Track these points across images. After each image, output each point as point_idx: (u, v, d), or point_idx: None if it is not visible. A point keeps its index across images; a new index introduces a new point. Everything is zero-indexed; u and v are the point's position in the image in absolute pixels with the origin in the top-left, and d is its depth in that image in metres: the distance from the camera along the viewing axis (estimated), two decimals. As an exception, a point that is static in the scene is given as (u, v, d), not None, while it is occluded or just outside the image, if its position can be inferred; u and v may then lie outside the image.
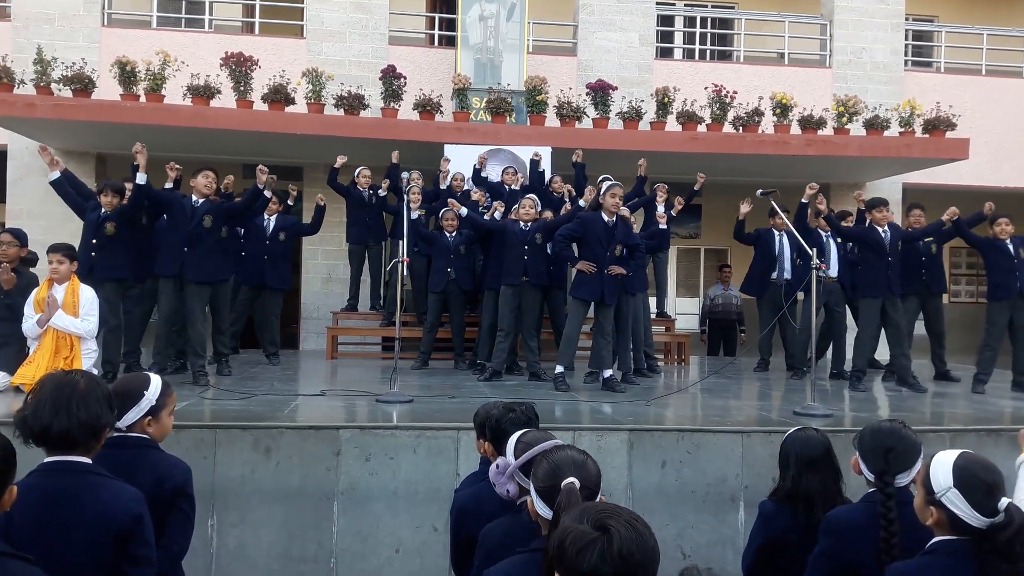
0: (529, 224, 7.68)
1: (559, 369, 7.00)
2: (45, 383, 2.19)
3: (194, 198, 6.92)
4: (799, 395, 7.04)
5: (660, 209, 9.09)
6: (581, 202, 7.70)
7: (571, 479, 1.97)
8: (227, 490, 4.70)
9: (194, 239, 6.77)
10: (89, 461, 2.17)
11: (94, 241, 6.76)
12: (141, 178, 6.68)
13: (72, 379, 2.17)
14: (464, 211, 7.89)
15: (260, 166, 7.28)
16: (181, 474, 2.56)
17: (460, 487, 3.08)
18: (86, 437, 2.14)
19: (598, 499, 2.05)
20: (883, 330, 7.80)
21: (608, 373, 7.02)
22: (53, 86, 9.32)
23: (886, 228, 7.61)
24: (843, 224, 8.18)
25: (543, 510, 2.04)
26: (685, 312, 13.90)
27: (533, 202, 7.86)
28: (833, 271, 8.53)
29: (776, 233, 8.85)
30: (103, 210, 6.88)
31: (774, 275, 8.78)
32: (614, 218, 6.93)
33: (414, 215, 8.51)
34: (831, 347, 8.98)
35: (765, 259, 8.89)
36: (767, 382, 8.36)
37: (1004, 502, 2.06)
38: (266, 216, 8.65)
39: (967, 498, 2.10)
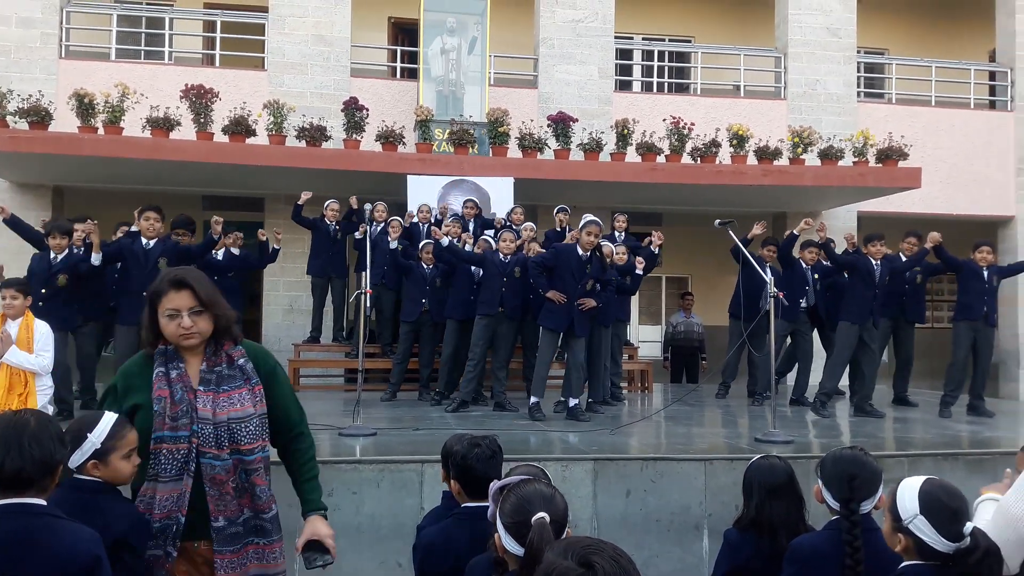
0: (508, 256, 7.71)
1: (533, 400, 7.03)
2: None
3: (144, 241, 6.81)
4: (760, 421, 7.11)
5: (619, 236, 9.17)
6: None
7: (541, 514, 1.95)
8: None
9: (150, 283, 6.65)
10: (43, 503, 2.12)
11: (43, 291, 6.59)
12: (96, 259, 6.66)
13: (22, 418, 2.13)
14: (446, 240, 7.90)
15: (215, 218, 7.26)
16: (128, 523, 2.38)
17: (423, 522, 3.05)
18: (39, 475, 2.08)
19: (565, 532, 2.05)
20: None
21: (573, 402, 7.05)
22: (8, 118, 9.18)
23: (879, 262, 7.75)
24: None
25: (511, 546, 2.02)
26: (648, 340, 14.02)
27: (514, 235, 7.94)
28: (809, 300, 8.66)
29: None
30: (52, 255, 6.78)
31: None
32: (588, 254, 7.02)
33: (392, 245, 8.53)
34: (795, 373, 9.09)
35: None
36: (729, 409, 8.44)
37: (969, 527, 2.11)
38: (214, 253, 8.50)
39: (933, 524, 2.13)
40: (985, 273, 7.82)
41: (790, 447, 5.83)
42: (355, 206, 9.19)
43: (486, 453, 2.80)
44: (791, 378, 9.33)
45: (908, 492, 2.21)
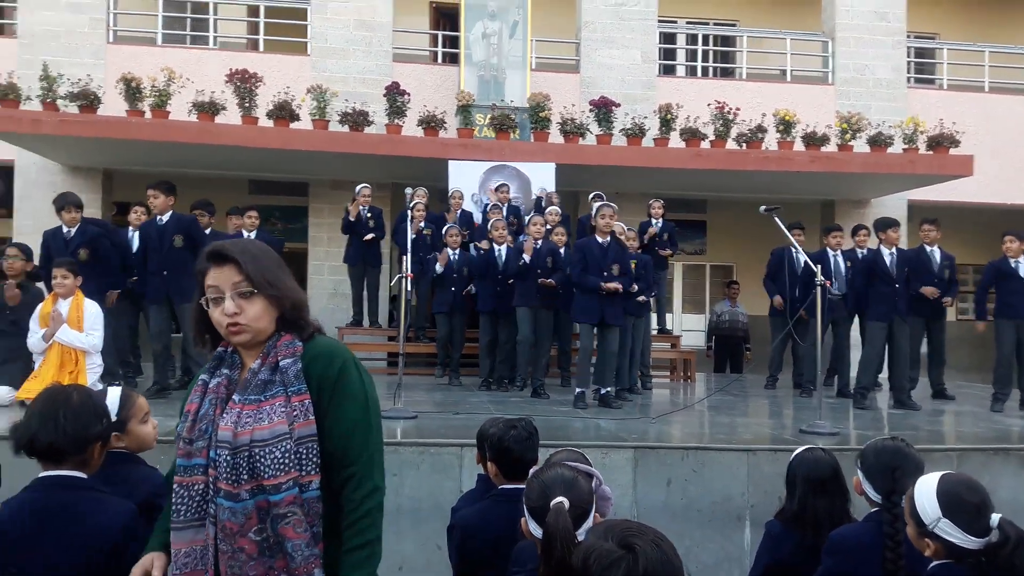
0: (539, 242, 7.71)
1: (578, 390, 7.02)
2: (40, 396, 2.18)
3: (157, 218, 6.85)
4: (806, 413, 7.00)
5: (656, 224, 9.11)
6: None
7: (560, 499, 1.95)
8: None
9: (171, 261, 6.71)
10: (83, 476, 2.15)
11: None
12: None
13: (65, 392, 2.17)
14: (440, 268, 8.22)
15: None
16: (150, 486, 2.38)
17: (458, 504, 3.05)
18: (74, 449, 2.12)
19: (591, 517, 2.02)
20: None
21: (605, 390, 7.03)
22: (59, 102, 9.36)
23: (893, 251, 7.59)
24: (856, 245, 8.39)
25: (535, 530, 2.03)
26: (691, 328, 13.89)
27: (542, 220, 7.94)
28: (841, 288, 8.51)
29: (791, 251, 8.84)
30: (66, 229, 6.89)
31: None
32: (608, 239, 6.98)
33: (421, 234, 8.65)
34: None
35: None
36: (774, 399, 8.33)
37: (995, 518, 2.04)
38: (245, 233, 8.56)
39: (958, 524, 2.07)
40: (1021, 269, 7.60)
41: (835, 439, 5.72)
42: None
43: (522, 434, 2.80)
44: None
45: (926, 495, 2.13)
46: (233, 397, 1.86)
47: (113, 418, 2.44)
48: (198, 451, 1.83)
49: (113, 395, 2.52)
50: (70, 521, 2.08)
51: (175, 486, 1.84)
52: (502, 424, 2.84)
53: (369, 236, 9.30)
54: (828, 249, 8.65)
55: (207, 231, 7.58)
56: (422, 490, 4.80)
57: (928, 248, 8.13)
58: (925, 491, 2.14)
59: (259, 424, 1.80)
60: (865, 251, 8.78)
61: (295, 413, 1.83)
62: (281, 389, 1.84)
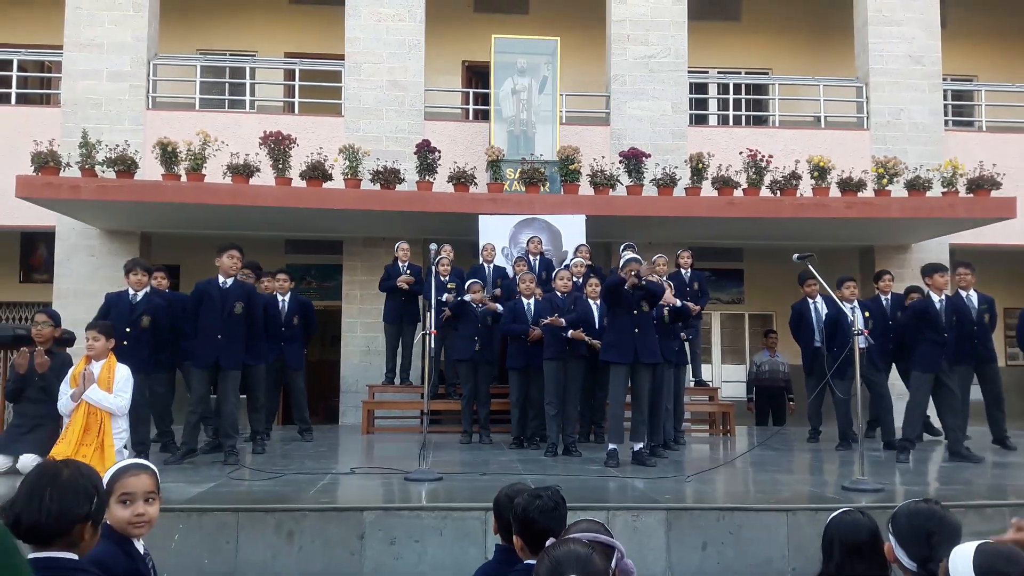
0: (566, 295, 7.61)
1: (611, 446, 6.81)
2: (31, 472, 2.12)
3: (221, 279, 6.81)
4: (849, 468, 6.73)
5: (685, 273, 9.03)
6: None
7: None
8: (250, 576, 4.57)
9: (227, 327, 6.69)
10: (74, 556, 2.07)
11: (127, 330, 6.68)
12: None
13: (54, 469, 2.08)
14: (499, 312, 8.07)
15: None
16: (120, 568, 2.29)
17: (478, 576, 2.91)
18: (57, 531, 2.03)
19: None
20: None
21: (638, 446, 6.82)
22: (97, 168, 9.57)
23: (942, 298, 7.35)
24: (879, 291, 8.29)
25: None
26: (731, 379, 13.59)
27: (569, 274, 7.85)
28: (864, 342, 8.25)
29: (810, 301, 8.65)
30: (132, 292, 6.91)
31: (816, 343, 8.57)
32: (632, 291, 6.75)
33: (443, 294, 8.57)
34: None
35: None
36: (817, 454, 8.04)
37: None
38: (280, 297, 8.62)
39: None
40: None
41: (880, 496, 5.46)
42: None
43: (548, 505, 2.63)
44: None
45: (963, 567, 1.98)
46: None
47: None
48: None
49: (112, 469, 2.44)
50: (55, 606, 2.00)
51: None
52: (527, 494, 2.68)
53: (404, 279, 9.30)
54: (845, 301, 8.31)
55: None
56: (446, 557, 4.66)
57: (964, 293, 7.84)
58: (961, 559, 1.99)
59: None
60: (887, 297, 8.57)
61: None
62: None
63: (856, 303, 8.21)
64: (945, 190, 10.40)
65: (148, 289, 7.03)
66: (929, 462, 7.46)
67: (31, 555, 2.06)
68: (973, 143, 12.14)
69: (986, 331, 7.89)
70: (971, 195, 10.41)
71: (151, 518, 2.45)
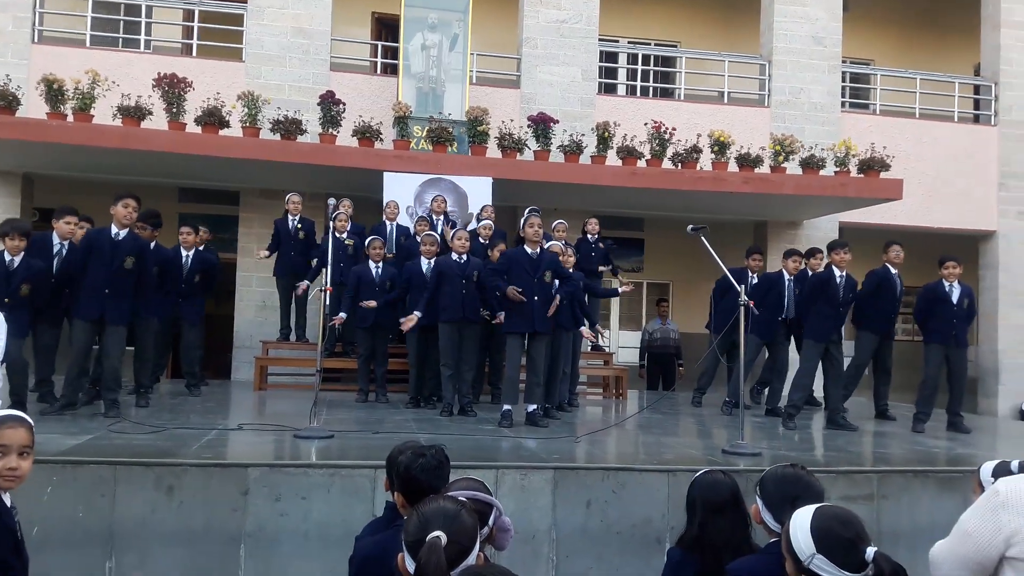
0: (465, 256, 7.56)
1: (505, 407, 6.88)
2: None
3: (114, 230, 6.47)
4: (733, 432, 6.99)
5: (591, 239, 9.17)
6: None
7: (436, 533, 1.84)
8: (126, 531, 4.44)
9: (115, 281, 6.39)
10: None
11: (6, 300, 6.17)
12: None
13: None
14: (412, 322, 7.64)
15: None
16: None
17: (362, 533, 2.90)
18: None
19: (474, 554, 1.91)
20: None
21: (532, 407, 6.92)
22: (-25, 103, 8.97)
23: (843, 272, 7.72)
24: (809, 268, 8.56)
25: (411, 566, 1.90)
26: (627, 346, 13.90)
27: (468, 235, 7.80)
28: (788, 312, 8.56)
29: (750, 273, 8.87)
30: (9, 258, 6.33)
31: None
32: (537, 249, 7.01)
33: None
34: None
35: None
36: (702, 419, 8.31)
37: (870, 552, 1.99)
38: (184, 252, 8.35)
39: (832, 559, 2.00)
40: (954, 295, 7.76)
41: (757, 459, 5.70)
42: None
43: (431, 463, 2.65)
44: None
45: (801, 530, 2.08)
46: None
47: None
48: None
49: None
50: None
51: None
52: (411, 452, 2.69)
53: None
54: (784, 272, 8.67)
55: (151, 245, 7.19)
56: (332, 515, 4.62)
57: (893, 270, 8.29)
58: (800, 526, 2.09)
59: None
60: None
61: None
62: None
63: (791, 278, 8.53)
64: (838, 170, 10.80)
65: (22, 255, 6.43)
66: (809, 429, 7.83)
67: None
68: (866, 125, 12.63)
69: (895, 307, 8.36)
70: (862, 175, 10.84)
71: (23, 473, 2.39)
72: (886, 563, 1.96)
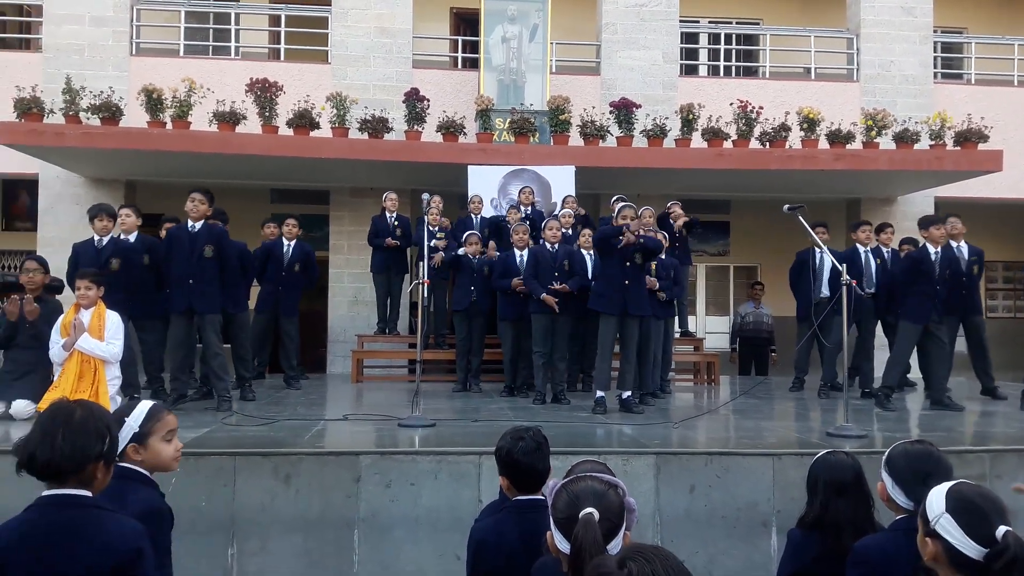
0: (556, 246, 7.63)
1: (599, 393, 6.90)
2: (44, 412, 2.14)
3: (190, 223, 6.77)
4: (832, 415, 6.87)
5: (673, 223, 9.08)
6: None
7: (589, 510, 1.88)
8: (247, 519, 4.64)
9: (199, 271, 6.67)
10: (88, 494, 2.10)
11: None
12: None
13: (67, 409, 2.11)
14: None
15: None
16: (141, 507, 2.33)
17: (479, 517, 2.99)
18: (72, 469, 2.07)
19: (622, 532, 1.95)
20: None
21: (626, 394, 6.91)
22: (81, 115, 9.43)
23: (938, 250, 7.39)
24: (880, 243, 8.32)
25: (561, 544, 1.94)
26: (715, 331, 13.73)
27: (559, 224, 7.86)
28: (870, 287, 8.34)
29: (816, 251, 8.67)
30: (97, 239, 6.90)
31: (817, 294, 8.60)
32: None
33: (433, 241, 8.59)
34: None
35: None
36: (800, 402, 8.18)
37: (1002, 530, 1.85)
38: (285, 242, 8.64)
39: (959, 523, 1.88)
40: None
41: (863, 441, 5.59)
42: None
43: (530, 445, 2.76)
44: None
45: (937, 493, 1.97)
46: None
47: (136, 429, 2.45)
48: None
49: (142, 407, 2.52)
50: (71, 541, 2.03)
51: None
52: (509, 436, 2.80)
53: (390, 242, 9.33)
54: (858, 245, 8.48)
55: None
56: (440, 500, 4.74)
57: (954, 244, 7.89)
58: (938, 489, 1.99)
59: None
60: (889, 250, 8.65)
61: None
62: None
63: (870, 250, 8.31)
64: (933, 143, 10.44)
65: (115, 234, 7.00)
66: (909, 410, 7.61)
67: (46, 492, 2.10)
68: (961, 96, 12.15)
69: (975, 283, 7.99)
70: (958, 148, 10.45)
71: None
72: (1016, 542, 1.82)
